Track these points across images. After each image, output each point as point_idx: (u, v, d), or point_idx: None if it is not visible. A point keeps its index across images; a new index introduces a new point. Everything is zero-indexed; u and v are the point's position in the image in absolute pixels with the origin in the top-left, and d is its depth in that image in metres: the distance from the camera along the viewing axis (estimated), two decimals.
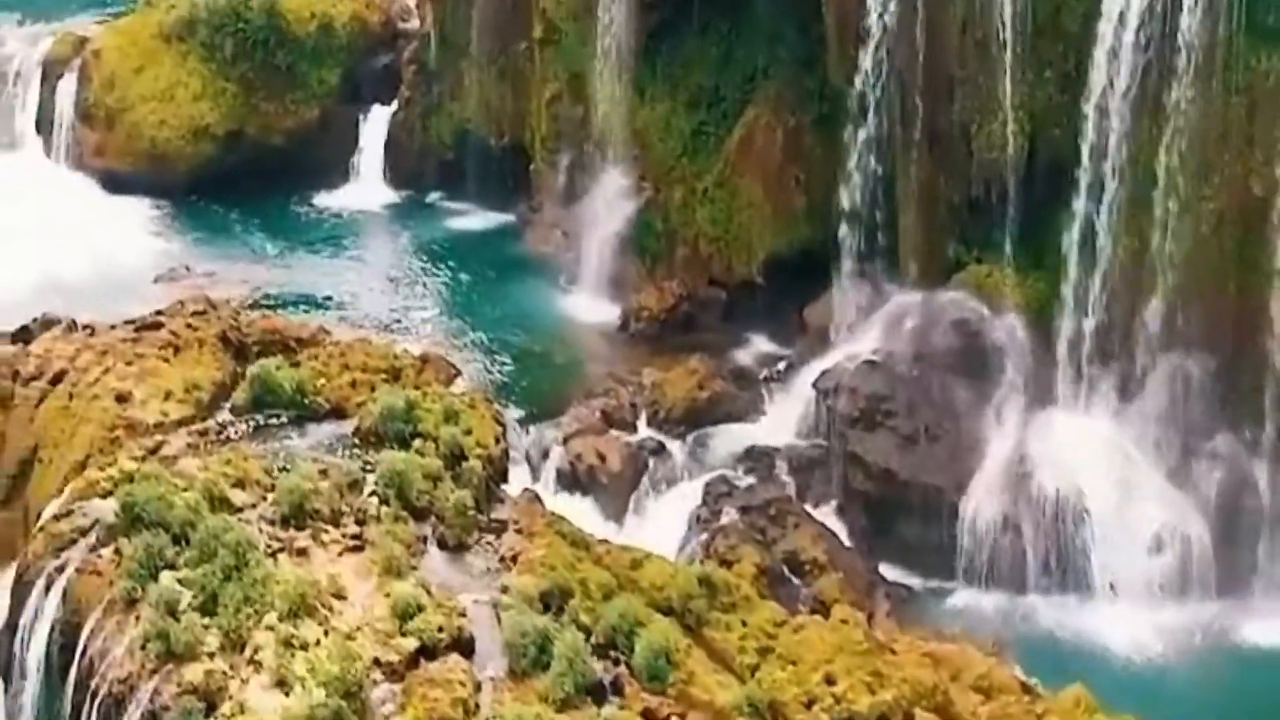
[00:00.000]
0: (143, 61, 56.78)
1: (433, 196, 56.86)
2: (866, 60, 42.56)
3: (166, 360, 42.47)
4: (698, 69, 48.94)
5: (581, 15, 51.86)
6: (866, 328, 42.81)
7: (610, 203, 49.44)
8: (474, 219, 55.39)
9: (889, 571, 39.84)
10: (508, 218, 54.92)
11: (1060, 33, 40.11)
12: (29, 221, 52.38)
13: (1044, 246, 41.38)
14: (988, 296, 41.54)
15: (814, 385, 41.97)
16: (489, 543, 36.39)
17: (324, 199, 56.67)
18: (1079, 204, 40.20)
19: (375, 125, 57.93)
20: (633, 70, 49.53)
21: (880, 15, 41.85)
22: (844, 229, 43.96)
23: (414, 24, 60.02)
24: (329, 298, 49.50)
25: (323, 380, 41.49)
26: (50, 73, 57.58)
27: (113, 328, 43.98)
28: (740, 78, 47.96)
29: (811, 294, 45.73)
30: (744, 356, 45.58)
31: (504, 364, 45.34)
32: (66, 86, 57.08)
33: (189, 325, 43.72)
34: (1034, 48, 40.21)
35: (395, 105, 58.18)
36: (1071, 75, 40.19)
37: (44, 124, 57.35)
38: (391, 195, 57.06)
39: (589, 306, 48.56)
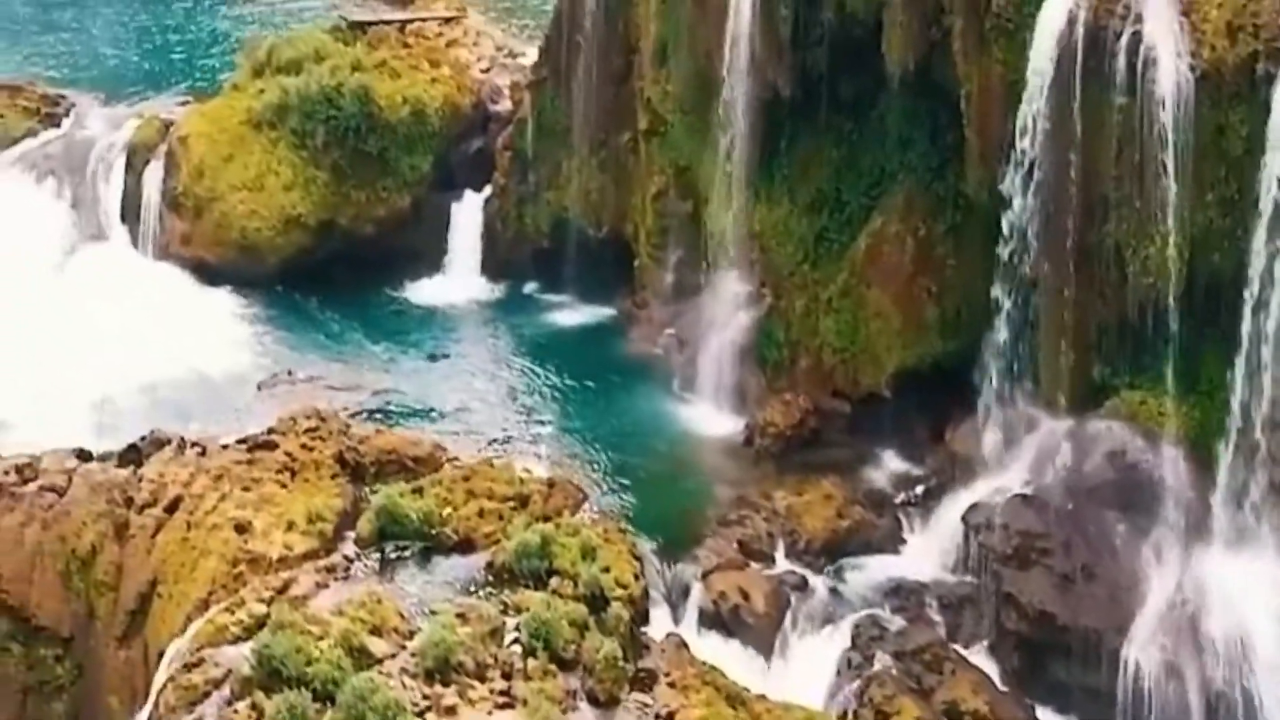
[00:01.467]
0: (232, 149, 55.26)
1: (529, 288, 55.28)
2: (1012, 176, 40.97)
3: (284, 485, 41.28)
4: (817, 171, 47.38)
5: (690, 108, 50.36)
6: (1014, 457, 41.10)
7: (727, 308, 47.80)
8: (574, 313, 53.76)
9: (1045, 717, 38.25)
10: (609, 312, 53.31)
11: (1223, 155, 38.46)
12: (123, 320, 50.87)
13: (1201, 373, 39.70)
14: (1143, 426, 39.84)
15: (963, 519, 40.33)
16: (640, 698, 34.99)
17: (418, 290, 55.14)
18: (1243, 330, 38.42)
19: (468, 213, 56.42)
20: (748, 170, 47.92)
21: (1030, 132, 40.22)
22: (988, 351, 42.28)
23: (505, 106, 58.49)
24: (435, 407, 47.78)
25: (449, 509, 40.23)
26: (135, 159, 56.07)
27: (225, 447, 42.76)
28: (865, 183, 46.32)
29: (941, 408, 44.14)
30: (876, 476, 43.83)
31: (627, 484, 43.60)
32: (153, 174, 55.56)
33: (304, 445, 42.46)
34: (1195, 170, 38.56)
35: (488, 192, 56.70)
36: (1234, 199, 38.54)
37: (129, 212, 55.84)
38: (486, 286, 55.51)
39: (708, 418, 46.83)
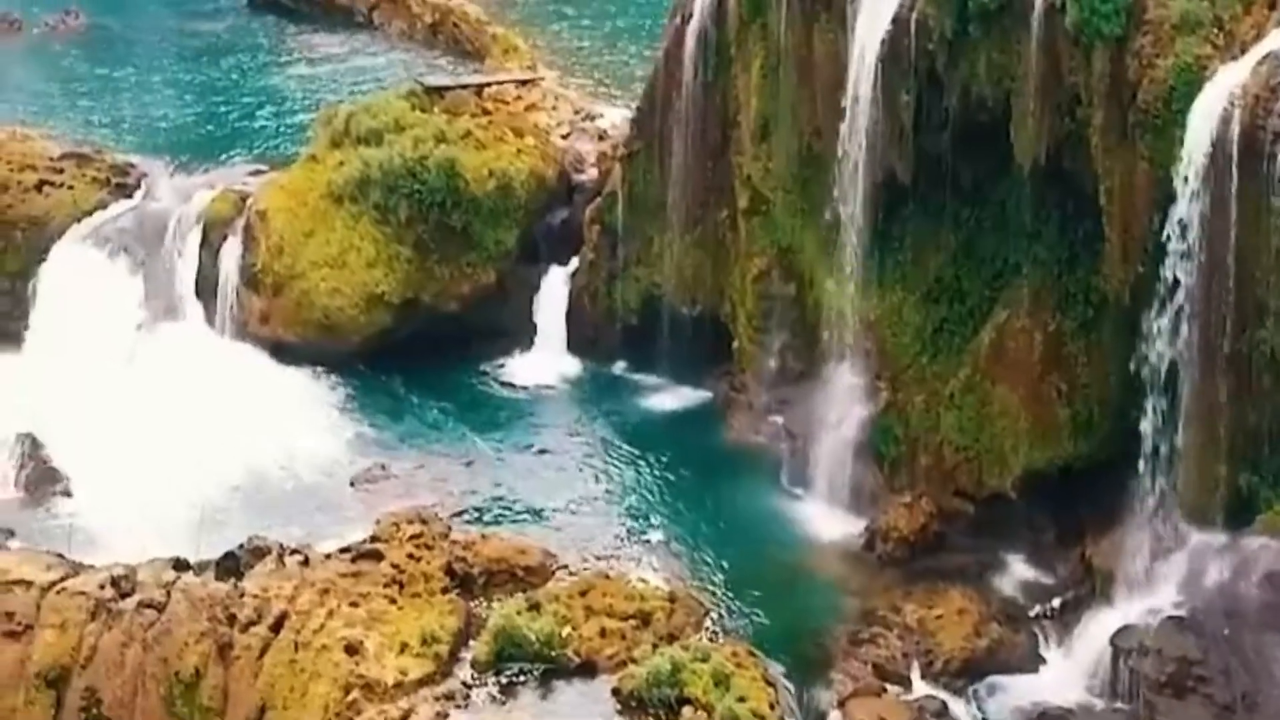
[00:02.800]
0: (312, 224, 53.29)
1: (618, 367, 53.31)
2: (1160, 277, 39.05)
3: (393, 600, 39.67)
4: (933, 259, 45.44)
5: (793, 187, 48.51)
6: (1161, 574, 39.15)
7: (841, 401, 45.83)
8: (667, 396, 51.76)
9: None
10: (704, 395, 51.32)
11: None
12: (205, 407, 48.86)
13: None
14: None
15: (1112, 642, 38.38)
16: None
17: (503, 369, 53.18)
18: None
19: (554, 288, 54.44)
20: (860, 254, 45.99)
21: (1180, 233, 38.30)
22: (1129, 459, 40.27)
23: (589, 175, 56.61)
24: (534, 505, 45.74)
25: (569, 628, 38.55)
26: (212, 234, 53.89)
27: (328, 557, 41.09)
28: (987, 273, 44.38)
29: (1069, 512, 42.37)
30: (1006, 585, 41.87)
31: (748, 596, 41.53)
32: (230, 250, 53.50)
33: (410, 555, 40.84)
34: None
35: (574, 266, 54.76)
36: None
37: (204, 289, 53.77)
38: (574, 365, 53.51)
39: (824, 519, 44.78)
